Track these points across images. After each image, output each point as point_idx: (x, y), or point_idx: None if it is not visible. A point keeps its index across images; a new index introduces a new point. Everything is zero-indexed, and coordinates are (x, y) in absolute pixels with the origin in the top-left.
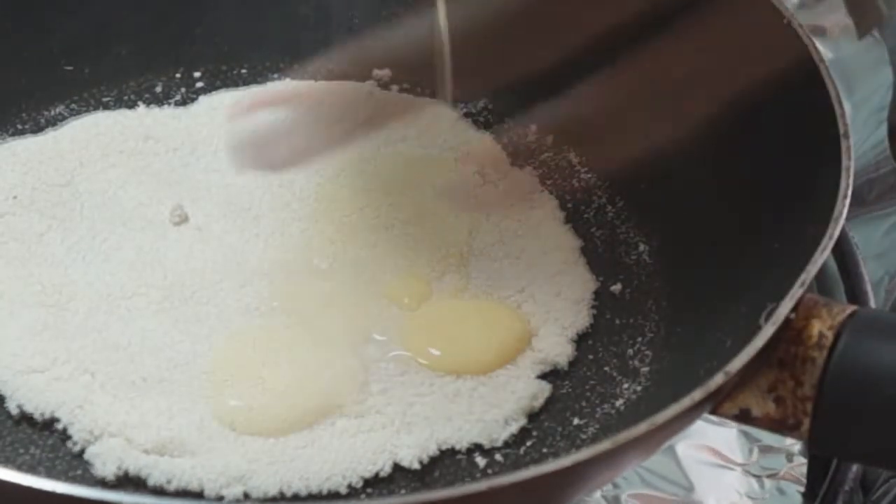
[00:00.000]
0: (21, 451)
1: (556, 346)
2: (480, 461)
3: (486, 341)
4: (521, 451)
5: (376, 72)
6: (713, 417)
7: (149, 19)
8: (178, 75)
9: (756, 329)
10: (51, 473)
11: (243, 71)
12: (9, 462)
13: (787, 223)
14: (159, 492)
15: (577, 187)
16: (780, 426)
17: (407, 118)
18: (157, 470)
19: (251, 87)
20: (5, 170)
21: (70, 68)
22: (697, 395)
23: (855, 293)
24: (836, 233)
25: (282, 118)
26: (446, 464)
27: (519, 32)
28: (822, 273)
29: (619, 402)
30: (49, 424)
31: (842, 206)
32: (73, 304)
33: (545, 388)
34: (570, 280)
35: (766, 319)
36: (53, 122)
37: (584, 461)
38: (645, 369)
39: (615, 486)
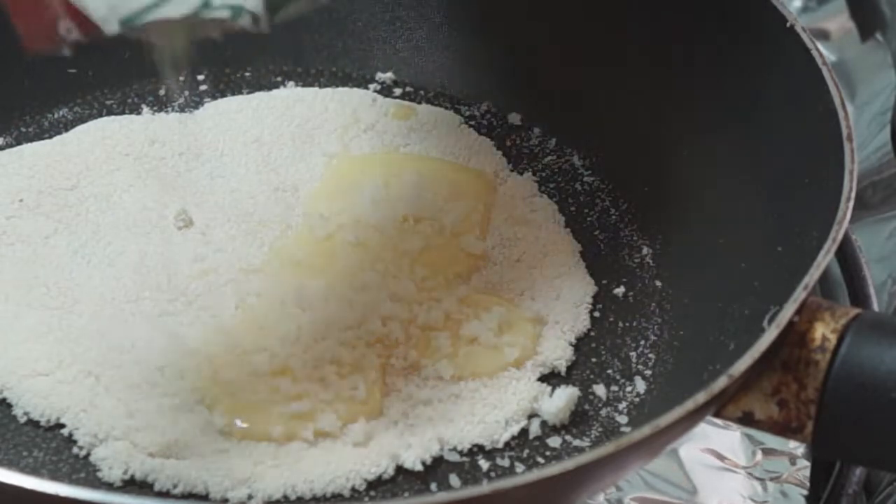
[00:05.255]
0: (25, 453)
1: (556, 350)
2: (483, 464)
3: (493, 346)
4: (524, 453)
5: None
6: (716, 420)
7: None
8: (181, 78)
9: (759, 332)
10: (55, 476)
11: (247, 74)
12: (12, 465)
13: (791, 226)
14: (164, 495)
15: (579, 190)
16: (783, 429)
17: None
18: (163, 474)
19: (255, 91)
20: (12, 173)
21: (73, 71)
22: (701, 397)
23: (858, 296)
24: (840, 236)
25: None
26: (449, 466)
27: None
28: (826, 276)
29: (621, 405)
30: (54, 427)
31: (845, 208)
32: (77, 307)
33: (545, 391)
34: (570, 283)
35: (770, 322)
36: (57, 124)
37: (587, 464)
38: (648, 372)
39: (618, 489)
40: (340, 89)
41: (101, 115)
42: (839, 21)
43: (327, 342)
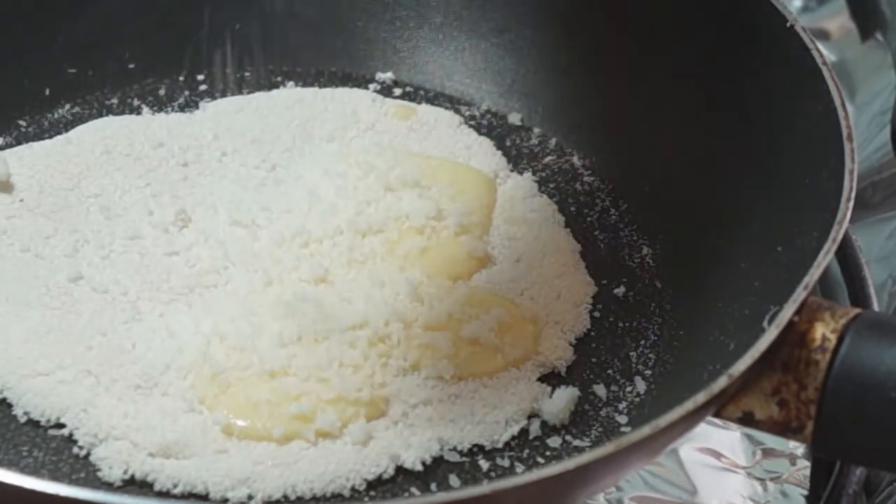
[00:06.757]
0: (25, 453)
1: (556, 350)
2: (483, 464)
3: (494, 347)
4: (524, 453)
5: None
6: (716, 420)
7: (152, 22)
8: (181, 78)
9: (759, 332)
10: (55, 476)
11: (247, 74)
12: (12, 465)
13: (791, 226)
14: (165, 495)
15: (579, 190)
16: (783, 429)
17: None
18: (163, 474)
19: (255, 91)
20: (12, 173)
21: (73, 71)
22: (701, 397)
23: (858, 296)
24: (840, 236)
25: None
26: (449, 466)
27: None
28: (826, 276)
29: (622, 405)
30: (54, 427)
31: (845, 209)
32: (77, 306)
33: (545, 391)
34: (570, 283)
35: (770, 322)
36: (57, 124)
37: (587, 464)
38: (648, 372)
39: (618, 488)
40: (340, 89)
41: (101, 115)
42: (839, 21)
43: (328, 342)
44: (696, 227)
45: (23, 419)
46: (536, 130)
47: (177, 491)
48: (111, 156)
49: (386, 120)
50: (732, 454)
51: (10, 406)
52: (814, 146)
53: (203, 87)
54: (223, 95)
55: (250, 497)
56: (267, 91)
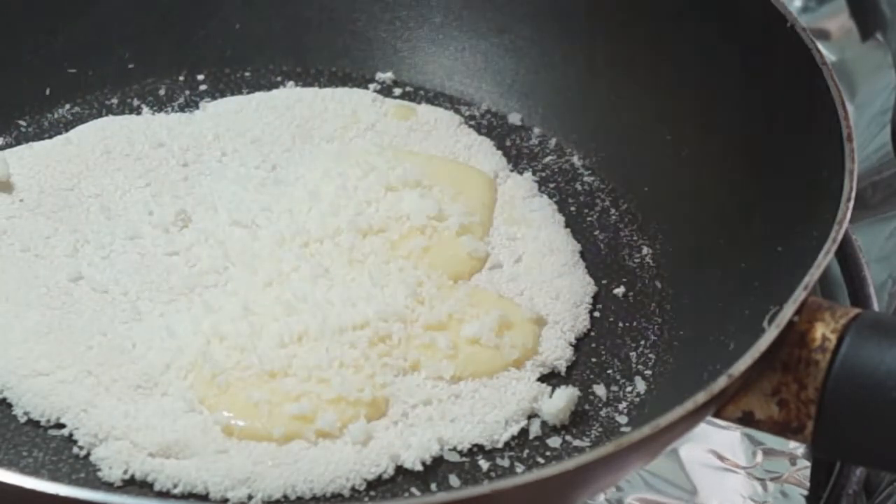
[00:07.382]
0: (25, 453)
1: (556, 350)
2: (483, 464)
3: (494, 346)
4: (524, 453)
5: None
6: (717, 420)
7: (152, 22)
8: (181, 78)
9: (759, 332)
10: (54, 476)
11: (247, 74)
12: (12, 465)
13: (791, 226)
14: (165, 495)
15: (579, 190)
16: (783, 429)
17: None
18: (163, 474)
19: (255, 91)
20: (12, 173)
21: (73, 71)
22: (701, 398)
23: (858, 296)
24: (840, 236)
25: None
26: (449, 466)
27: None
28: (826, 276)
29: (621, 405)
30: (54, 427)
31: (845, 209)
32: (77, 306)
33: (545, 391)
34: (570, 283)
35: (770, 322)
36: (57, 124)
37: (587, 464)
38: (648, 372)
39: (618, 489)
40: (340, 89)
41: (101, 115)
42: (839, 21)
43: (328, 342)
44: (696, 227)
45: (23, 419)
46: (536, 130)
47: (177, 491)
48: (111, 156)
49: (386, 120)
50: (732, 454)
51: (10, 406)
52: (814, 146)
53: (203, 87)
54: (223, 95)
55: (250, 497)
56: (267, 91)
